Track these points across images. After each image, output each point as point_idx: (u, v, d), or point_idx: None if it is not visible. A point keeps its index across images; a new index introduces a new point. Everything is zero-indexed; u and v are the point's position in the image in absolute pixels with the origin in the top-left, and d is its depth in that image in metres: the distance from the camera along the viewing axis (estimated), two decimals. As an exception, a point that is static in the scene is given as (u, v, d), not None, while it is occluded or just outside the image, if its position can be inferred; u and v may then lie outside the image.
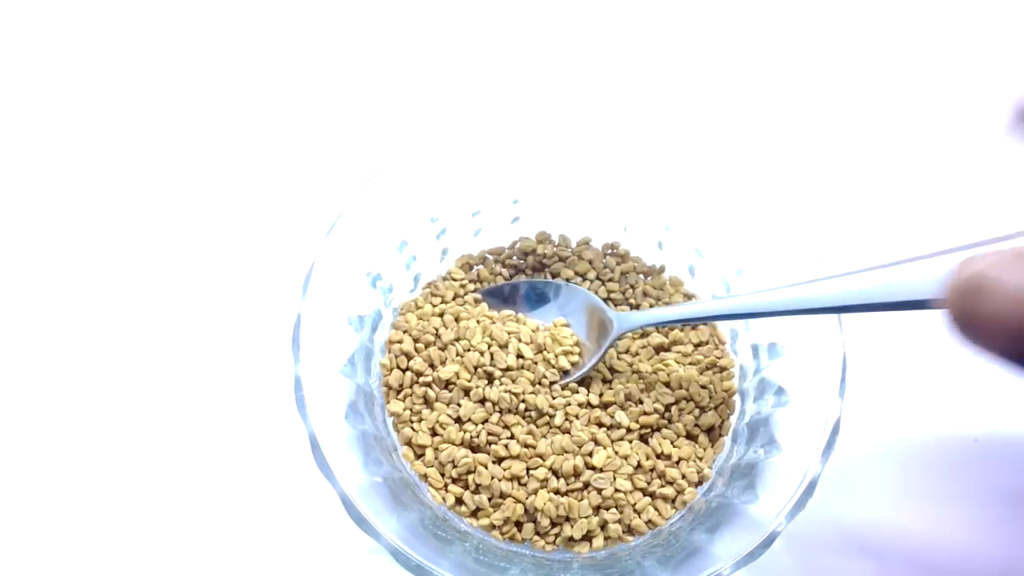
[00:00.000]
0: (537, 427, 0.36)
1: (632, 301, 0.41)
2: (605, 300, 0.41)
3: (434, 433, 0.36)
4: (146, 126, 0.48)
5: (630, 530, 0.35)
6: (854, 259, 0.43)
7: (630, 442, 0.36)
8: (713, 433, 0.37)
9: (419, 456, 0.36)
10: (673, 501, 0.35)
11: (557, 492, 0.34)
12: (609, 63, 0.51)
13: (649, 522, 0.35)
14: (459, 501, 0.35)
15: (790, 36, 0.51)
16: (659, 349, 0.39)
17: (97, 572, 0.37)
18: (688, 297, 0.41)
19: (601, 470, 0.35)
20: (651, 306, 0.40)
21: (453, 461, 0.35)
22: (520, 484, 0.35)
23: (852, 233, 0.45)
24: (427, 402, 0.37)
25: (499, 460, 0.35)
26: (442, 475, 0.35)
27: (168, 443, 0.40)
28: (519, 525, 0.34)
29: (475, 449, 0.35)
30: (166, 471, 0.39)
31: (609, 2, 0.52)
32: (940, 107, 0.49)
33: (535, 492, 0.34)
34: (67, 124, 0.48)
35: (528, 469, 0.35)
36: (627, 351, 0.39)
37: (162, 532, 0.38)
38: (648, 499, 0.35)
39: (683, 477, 0.36)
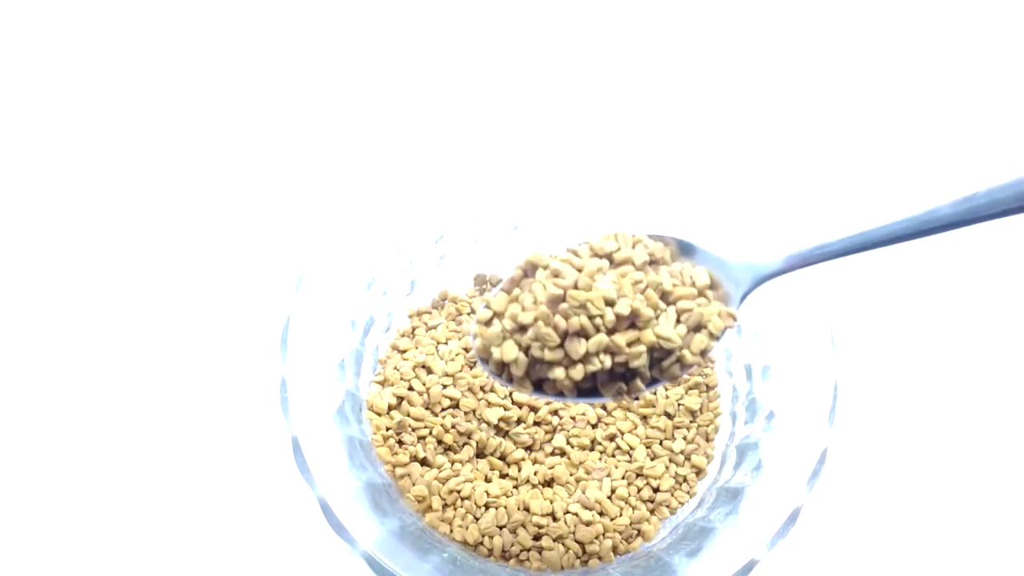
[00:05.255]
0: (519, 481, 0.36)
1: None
2: None
3: (424, 463, 0.37)
4: (143, 124, 0.48)
5: (613, 550, 0.35)
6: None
7: (615, 467, 0.36)
8: (699, 454, 0.37)
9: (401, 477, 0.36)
10: (655, 524, 0.35)
11: (537, 526, 0.35)
12: (610, 69, 0.50)
13: (628, 544, 0.35)
14: (439, 518, 0.35)
15: (792, 56, 0.51)
16: None
17: (75, 570, 0.38)
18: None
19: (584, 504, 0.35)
20: None
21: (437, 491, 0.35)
22: (499, 510, 0.35)
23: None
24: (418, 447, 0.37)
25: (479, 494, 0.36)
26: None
27: (159, 441, 0.40)
28: (496, 544, 0.35)
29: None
30: (155, 468, 0.40)
31: (609, 9, 0.52)
32: (942, 132, 0.48)
33: (514, 530, 0.35)
34: (64, 125, 0.48)
35: (507, 508, 0.35)
36: None
37: (146, 529, 0.38)
38: (628, 522, 0.35)
39: (668, 500, 0.36)
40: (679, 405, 0.38)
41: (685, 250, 0.27)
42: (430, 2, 0.52)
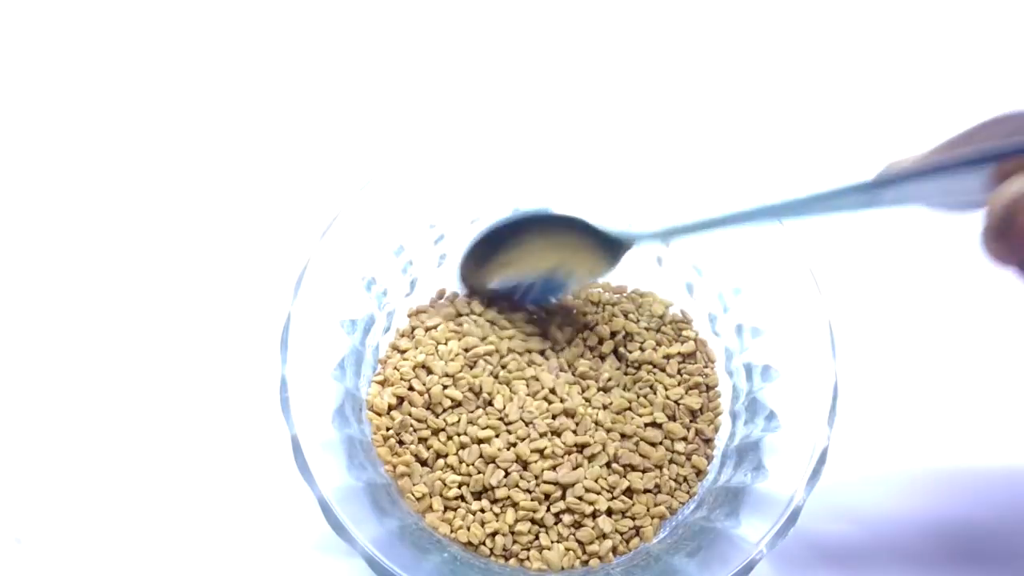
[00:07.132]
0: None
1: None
2: None
3: (424, 464, 0.36)
4: (140, 125, 0.48)
5: (612, 551, 0.35)
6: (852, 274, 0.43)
7: (613, 462, 0.36)
8: (699, 454, 0.37)
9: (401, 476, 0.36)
10: (655, 524, 0.35)
11: (533, 522, 0.35)
12: (611, 68, 0.50)
13: (627, 544, 0.35)
14: (439, 518, 0.35)
15: (790, 54, 0.51)
16: (649, 365, 0.39)
17: (74, 570, 0.38)
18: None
19: (581, 497, 0.35)
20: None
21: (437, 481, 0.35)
22: (498, 507, 0.35)
23: (850, 251, 0.44)
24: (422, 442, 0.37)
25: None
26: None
27: (158, 442, 0.40)
28: (496, 544, 0.35)
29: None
30: (154, 468, 0.40)
31: (610, 9, 0.52)
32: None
33: (513, 522, 0.35)
34: (63, 125, 0.48)
35: (510, 495, 0.35)
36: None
37: (146, 529, 0.38)
38: (631, 521, 0.35)
39: (668, 500, 0.36)
40: (679, 405, 0.38)
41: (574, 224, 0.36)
42: (430, 2, 0.52)
